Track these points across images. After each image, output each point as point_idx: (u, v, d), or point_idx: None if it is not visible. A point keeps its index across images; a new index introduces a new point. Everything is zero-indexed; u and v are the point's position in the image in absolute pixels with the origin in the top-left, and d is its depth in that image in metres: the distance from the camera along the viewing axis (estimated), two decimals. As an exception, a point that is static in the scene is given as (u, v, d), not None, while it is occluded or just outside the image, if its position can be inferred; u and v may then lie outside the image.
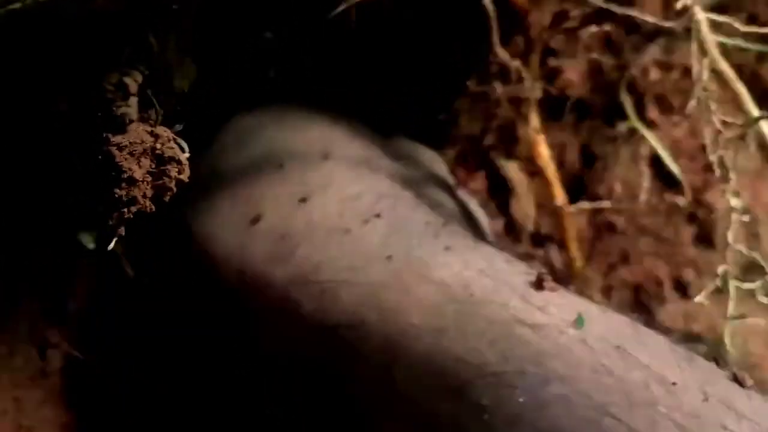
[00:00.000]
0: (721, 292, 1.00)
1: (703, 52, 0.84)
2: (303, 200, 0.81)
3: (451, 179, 1.05)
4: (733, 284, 0.95)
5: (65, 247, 0.78)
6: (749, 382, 0.69)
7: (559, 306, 0.68)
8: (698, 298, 0.98)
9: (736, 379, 0.69)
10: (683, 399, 0.63)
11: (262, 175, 0.85)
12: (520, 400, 0.63)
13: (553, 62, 1.13)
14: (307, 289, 0.75)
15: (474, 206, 1.04)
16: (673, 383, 0.63)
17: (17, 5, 0.47)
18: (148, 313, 0.89)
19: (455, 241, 0.75)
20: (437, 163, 1.07)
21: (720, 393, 0.65)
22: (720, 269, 0.93)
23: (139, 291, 0.87)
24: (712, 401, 0.63)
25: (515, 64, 0.82)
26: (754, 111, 0.84)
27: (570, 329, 0.66)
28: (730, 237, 0.92)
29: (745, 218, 0.91)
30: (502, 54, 0.81)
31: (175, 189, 0.67)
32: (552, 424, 0.62)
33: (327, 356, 0.74)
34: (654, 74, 1.17)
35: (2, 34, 0.48)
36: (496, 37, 0.81)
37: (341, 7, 0.79)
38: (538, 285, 0.70)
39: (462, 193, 1.02)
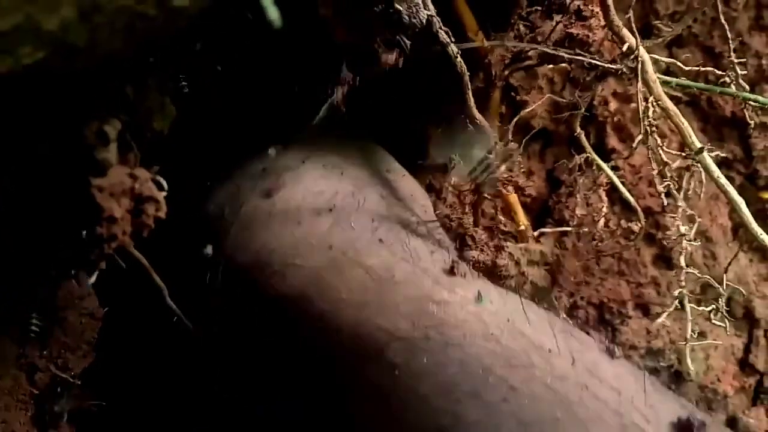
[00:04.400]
0: (681, 309, 1.05)
1: (649, 89, 0.90)
2: (269, 196, 0.93)
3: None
4: (689, 307, 1.01)
5: (51, 276, 0.83)
6: (618, 353, 0.82)
7: (465, 287, 0.82)
8: (659, 320, 1.04)
9: (608, 350, 0.82)
10: (555, 362, 0.77)
11: (247, 180, 0.99)
12: (425, 360, 0.77)
13: (516, 96, 1.19)
14: (262, 272, 0.88)
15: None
16: (549, 350, 0.77)
17: (2, 68, 0.52)
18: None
19: (389, 235, 0.88)
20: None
21: (587, 360, 0.78)
22: (676, 292, 0.99)
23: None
24: (579, 365, 0.77)
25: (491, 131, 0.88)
26: (697, 144, 0.90)
27: (470, 305, 0.80)
28: (682, 261, 0.97)
29: (695, 243, 0.97)
30: (479, 117, 0.87)
31: (152, 225, 0.72)
32: (450, 380, 0.76)
33: (281, 325, 0.87)
34: (613, 105, 1.23)
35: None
36: (471, 100, 0.87)
37: (325, 105, 0.85)
38: (451, 271, 0.84)
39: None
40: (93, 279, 0.71)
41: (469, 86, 0.86)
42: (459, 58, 0.85)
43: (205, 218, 0.97)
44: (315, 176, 0.96)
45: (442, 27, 0.84)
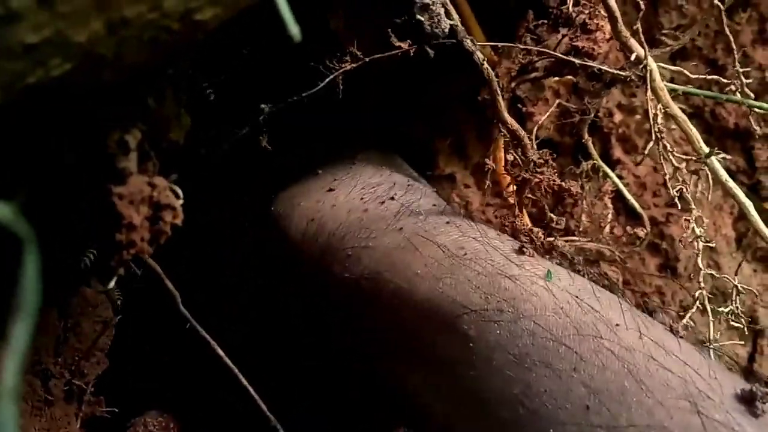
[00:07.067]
0: (682, 318, 1.06)
1: (657, 97, 0.92)
2: (330, 190, 1.00)
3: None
4: (709, 307, 1.02)
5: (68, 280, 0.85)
6: (682, 332, 0.83)
7: (534, 264, 0.85)
8: (684, 321, 1.05)
9: (671, 329, 0.83)
10: (623, 335, 0.78)
11: (301, 180, 1.06)
12: (498, 332, 0.79)
13: (522, 108, 1.21)
14: (336, 256, 0.92)
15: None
16: (617, 324, 0.79)
17: (32, 80, 0.54)
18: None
19: (455, 218, 0.92)
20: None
21: (654, 335, 0.79)
22: (697, 293, 1.00)
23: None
24: (646, 339, 0.78)
25: (523, 132, 0.89)
26: (705, 148, 0.91)
27: (540, 281, 0.82)
28: (700, 263, 0.98)
29: (711, 245, 0.98)
30: (510, 122, 0.89)
31: (170, 232, 0.73)
32: (521, 351, 0.78)
33: (352, 303, 0.91)
34: (618, 117, 1.25)
35: (19, 105, 0.55)
36: (503, 105, 0.89)
37: (327, 79, 0.86)
38: (520, 251, 0.87)
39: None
40: (111, 284, 0.73)
41: (499, 91, 0.88)
42: (486, 64, 0.86)
43: (260, 221, 1.03)
44: (369, 173, 1.02)
45: (467, 36, 0.85)
